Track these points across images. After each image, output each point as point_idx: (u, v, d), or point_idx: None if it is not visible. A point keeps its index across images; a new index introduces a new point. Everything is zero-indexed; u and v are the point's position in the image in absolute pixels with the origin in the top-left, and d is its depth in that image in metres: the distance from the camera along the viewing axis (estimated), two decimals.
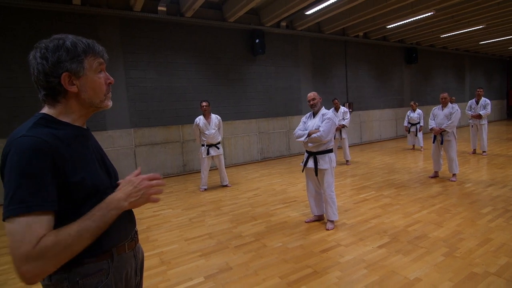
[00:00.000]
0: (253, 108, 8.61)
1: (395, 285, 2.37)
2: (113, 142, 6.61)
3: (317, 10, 7.65)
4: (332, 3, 7.13)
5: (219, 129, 5.67)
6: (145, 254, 3.15)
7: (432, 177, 5.66)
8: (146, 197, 1.00)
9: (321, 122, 3.53)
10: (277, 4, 7.43)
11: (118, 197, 0.96)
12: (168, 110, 7.31)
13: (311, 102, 3.64)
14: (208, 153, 5.58)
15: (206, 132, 5.52)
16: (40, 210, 0.82)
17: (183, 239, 3.53)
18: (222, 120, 5.93)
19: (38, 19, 5.80)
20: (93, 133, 1.12)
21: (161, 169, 7.21)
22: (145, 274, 2.73)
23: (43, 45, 0.93)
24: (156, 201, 1.03)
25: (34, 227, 0.80)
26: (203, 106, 5.49)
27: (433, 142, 5.52)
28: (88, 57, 0.97)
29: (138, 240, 1.16)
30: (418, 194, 4.69)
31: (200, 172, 5.94)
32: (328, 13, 7.73)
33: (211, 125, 5.55)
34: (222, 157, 5.78)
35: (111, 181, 1.07)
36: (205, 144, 5.57)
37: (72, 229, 0.86)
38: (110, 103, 1.06)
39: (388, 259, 2.78)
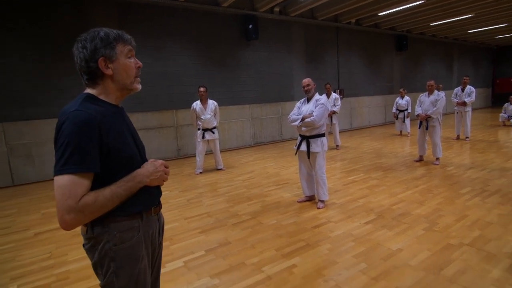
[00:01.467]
0: (246, 93, 8.71)
1: (380, 254, 2.63)
2: None
3: None
4: None
5: (215, 114, 5.80)
6: None
7: (417, 161, 5.96)
8: (161, 178, 1.22)
9: (314, 107, 3.71)
10: None
11: (142, 173, 1.17)
12: (162, 95, 7.35)
13: (306, 88, 3.80)
14: (203, 137, 5.73)
15: (202, 117, 5.64)
16: (89, 171, 1.03)
17: (183, 218, 3.72)
18: None
19: (26, 4, 5.69)
20: None
21: (155, 153, 7.31)
22: None
23: (83, 37, 1.12)
24: (162, 183, 1.27)
25: (79, 185, 1.01)
26: (201, 92, 5.59)
27: (419, 128, 5.79)
28: (119, 44, 1.15)
29: (161, 207, 1.36)
30: (404, 176, 4.98)
31: (195, 156, 6.09)
32: None
33: (207, 110, 5.66)
34: (217, 142, 5.94)
35: (140, 153, 1.25)
36: (201, 128, 5.70)
37: (107, 192, 1.07)
38: (139, 86, 1.25)
39: (374, 233, 3.04)
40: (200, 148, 5.81)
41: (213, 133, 5.80)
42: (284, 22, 9.14)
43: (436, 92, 5.59)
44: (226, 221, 3.56)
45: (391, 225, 3.22)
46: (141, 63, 1.24)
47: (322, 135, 3.80)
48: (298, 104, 3.99)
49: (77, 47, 1.12)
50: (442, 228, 3.08)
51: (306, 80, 3.79)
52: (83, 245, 1.18)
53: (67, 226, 1.01)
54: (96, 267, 1.17)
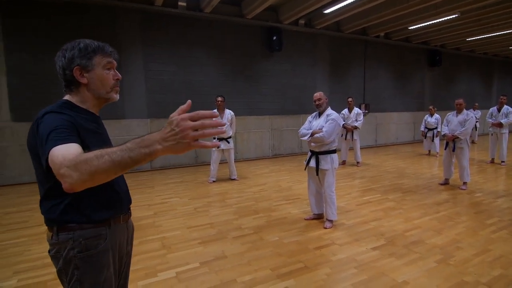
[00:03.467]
0: (267, 104, 8.69)
1: (382, 285, 2.42)
2: (129, 131, 6.90)
3: (336, 9, 7.59)
4: (352, 2, 7.05)
5: (231, 124, 5.82)
6: (149, 238, 3.37)
7: (442, 184, 5.56)
8: (186, 142, 0.82)
9: (325, 122, 3.59)
10: (296, 2, 7.43)
11: (154, 137, 0.84)
12: (184, 102, 7.46)
13: (317, 102, 3.69)
14: (218, 146, 5.75)
15: None
16: (73, 142, 0.98)
17: (185, 227, 3.71)
18: (236, 115, 6.04)
19: (55, 11, 6.08)
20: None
21: (174, 159, 7.46)
22: (146, 255, 2.94)
23: (65, 47, 1.18)
24: (204, 146, 0.86)
25: (69, 149, 0.93)
26: (218, 101, 5.65)
27: (445, 149, 5.42)
28: (97, 56, 1.18)
29: (131, 215, 1.36)
30: (424, 200, 4.65)
31: (210, 164, 6.13)
32: (347, 12, 7.65)
33: (223, 119, 5.70)
34: (232, 151, 5.93)
35: None
36: (216, 137, 5.74)
37: (99, 150, 0.86)
38: (116, 96, 1.26)
39: (380, 261, 2.83)
40: (215, 157, 5.84)
41: (228, 142, 5.81)
42: (309, 34, 9.08)
43: (465, 111, 5.21)
44: (227, 233, 3.49)
45: (400, 253, 2.98)
46: (120, 76, 1.26)
47: (333, 151, 3.66)
48: (309, 118, 3.90)
49: (58, 55, 1.17)
50: (457, 262, 2.80)
51: (318, 94, 3.69)
52: (48, 252, 1.18)
53: (64, 181, 0.85)
54: (61, 274, 1.16)
